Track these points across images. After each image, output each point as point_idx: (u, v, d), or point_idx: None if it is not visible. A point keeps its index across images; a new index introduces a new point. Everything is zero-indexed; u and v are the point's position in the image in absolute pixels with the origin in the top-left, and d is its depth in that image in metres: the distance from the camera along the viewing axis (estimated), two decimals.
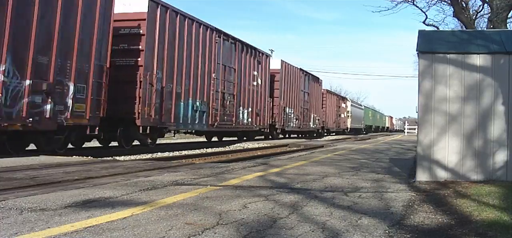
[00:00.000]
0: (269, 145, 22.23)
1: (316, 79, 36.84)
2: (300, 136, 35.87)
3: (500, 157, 6.79)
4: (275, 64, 27.09)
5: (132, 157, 13.39)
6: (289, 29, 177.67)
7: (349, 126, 50.83)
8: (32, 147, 12.03)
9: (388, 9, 24.09)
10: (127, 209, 4.34)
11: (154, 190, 5.56)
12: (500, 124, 6.82)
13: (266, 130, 25.65)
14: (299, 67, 31.49)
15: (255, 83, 23.48)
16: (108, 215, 4.06)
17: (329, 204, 4.96)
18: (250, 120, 23.12)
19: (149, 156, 14.27)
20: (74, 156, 11.29)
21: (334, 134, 45.72)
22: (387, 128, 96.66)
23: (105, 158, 11.62)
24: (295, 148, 19.76)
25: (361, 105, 66.95)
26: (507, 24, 17.51)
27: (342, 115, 47.78)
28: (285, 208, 4.63)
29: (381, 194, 5.79)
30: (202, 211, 4.39)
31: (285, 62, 28.40)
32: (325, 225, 3.97)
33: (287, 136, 32.87)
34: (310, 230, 3.78)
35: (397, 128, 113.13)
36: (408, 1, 20.07)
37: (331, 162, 10.46)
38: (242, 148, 19.80)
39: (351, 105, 53.41)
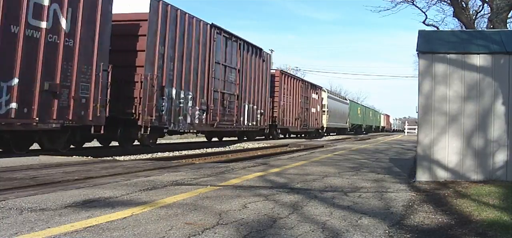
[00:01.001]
0: (269, 145, 22.21)
1: (257, 52, 22.89)
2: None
3: (500, 157, 6.79)
4: (135, 3, 14.43)
5: (132, 157, 13.39)
6: (289, 29, 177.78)
7: (325, 125, 38.92)
8: (32, 146, 12.02)
9: (388, 9, 24.18)
10: (127, 209, 4.33)
11: (154, 190, 5.56)
12: (500, 124, 6.82)
13: (97, 127, 12.41)
14: (210, 22, 18.35)
15: (43, 25, 10.65)
16: (108, 215, 4.06)
17: (329, 204, 4.96)
18: (15, 105, 10.06)
19: (149, 156, 14.27)
20: (74, 156, 11.30)
21: (302, 135, 34.28)
22: (383, 127, 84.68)
23: (105, 158, 11.62)
24: (295, 148, 19.77)
25: (345, 98, 53.45)
26: (507, 24, 17.51)
27: (313, 110, 35.33)
28: (285, 208, 4.63)
29: (381, 194, 5.79)
30: (202, 211, 4.39)
31: (167, 4, 15.24)
32: (325, 225, 3.97)
33: (215, 140, 22.96)
34: (310, 230, 3.78)
35: (395, 128, 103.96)
36: (408, 1, 20.10)
37: (331, 162, 10.46)
38: (242, 148, 19.79)
39: (329, 97, 41.23)
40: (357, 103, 63.99)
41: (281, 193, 5.60)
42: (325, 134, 40.06)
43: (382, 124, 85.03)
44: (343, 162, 10.58)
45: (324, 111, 38.63)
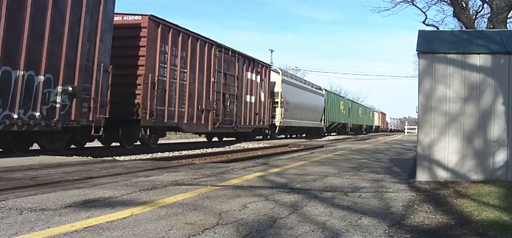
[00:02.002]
0: (269, 145, 22.20)
1: None
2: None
3: (500, 157, 6.79)
4: None
5: (132, 157, 13.40)
6: (289, 29, 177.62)
7: (278, 123, 26.85)
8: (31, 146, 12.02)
9: (388, 9, 24.21)
10: (127, 209, 4.33)
11: (154, 190, 5.56)
12: (500, 124, 6.81)
13: None
14: None
15: None
16: (108, 215, 4.06)
17: (329, 204, 4.96)
18: None
19: (149, 156, 14.28)
20: (74, 156, 11.30)
21: (234, 138, 23.29)
22: (377, 127, 72.76)
23: (105, 158, 11.63)
24: (295, 148, 19.79)
25: (319, 88, 38.87)
26: (507, 24, 17.52)
27: (252, 100, 22.75)
28: (285, 208, 4.63)
29: (381, 194, 5.78)
30: (202, 211, 4.39)
31: None
32: (325, 225, 3.97)
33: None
34: (310, 230, 3.78)
35: (392, 128, 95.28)
36: (408, 1, 20.11)
37: (331, 162, 10.46)
38: (242, 148, 19.79)
39: (285, 82, 28.41)
40: (339, 96, 49.80)
41: (281, 193, 5.60)
42: (278, 136, 28.77)
43: (376, 123, 72.41)
44: (343, 162, 10.58)
45: (277, 102, 26.84)
